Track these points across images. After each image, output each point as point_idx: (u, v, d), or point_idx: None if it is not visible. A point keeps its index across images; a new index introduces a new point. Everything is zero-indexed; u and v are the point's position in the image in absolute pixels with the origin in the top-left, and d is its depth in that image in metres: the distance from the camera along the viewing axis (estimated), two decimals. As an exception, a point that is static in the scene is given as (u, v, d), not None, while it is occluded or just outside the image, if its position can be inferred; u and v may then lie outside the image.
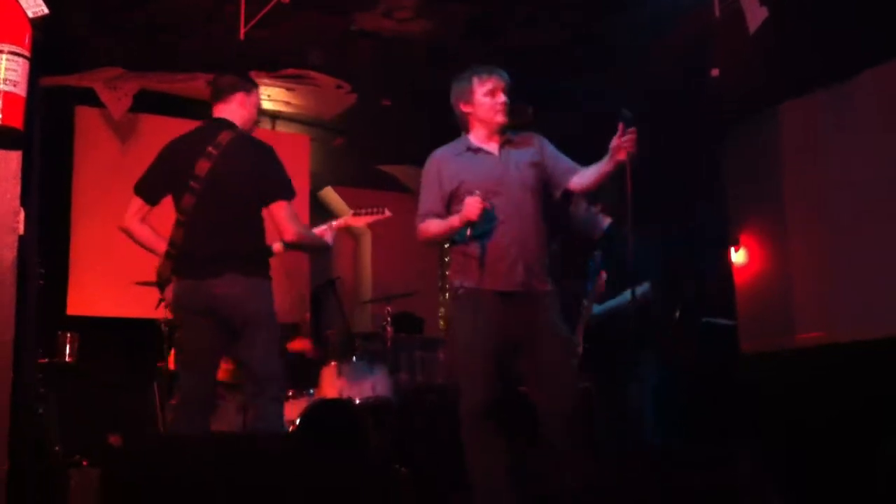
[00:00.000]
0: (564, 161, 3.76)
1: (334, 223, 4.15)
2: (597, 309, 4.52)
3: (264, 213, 3.81)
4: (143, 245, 3.86)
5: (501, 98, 3.68)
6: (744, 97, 6.02)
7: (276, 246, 3.90)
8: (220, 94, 3.94)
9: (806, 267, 5.83)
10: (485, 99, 3.69)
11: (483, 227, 3.50)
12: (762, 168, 6.15)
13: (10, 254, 2.24)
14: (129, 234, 3.86)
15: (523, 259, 3.55)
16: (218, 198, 3.74)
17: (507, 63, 3.90)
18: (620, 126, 3.37)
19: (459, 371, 3.59)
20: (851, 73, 5.48)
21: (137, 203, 3.85)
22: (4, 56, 2.19)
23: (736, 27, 5.04)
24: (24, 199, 2.29)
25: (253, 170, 3.78)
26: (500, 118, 3.69)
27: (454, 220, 3.55)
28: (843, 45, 5.19)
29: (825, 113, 5.74)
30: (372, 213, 4.22)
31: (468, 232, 3.51)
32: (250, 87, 3.99)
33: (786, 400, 5.18)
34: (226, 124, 3.88)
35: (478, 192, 3.48)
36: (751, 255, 6.29)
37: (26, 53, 2.24)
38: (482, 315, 3.50)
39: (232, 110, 3.91)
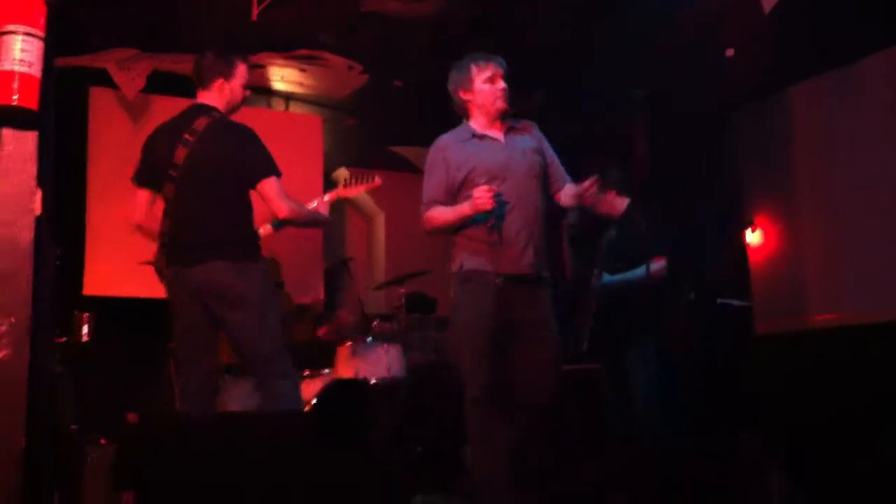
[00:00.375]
0: (558, 165, 3.81)
1: (326, 196, 4.14)
2: (608, 279, 4.47)
3: (253, 194, 3.77)
4: (151, 237, 3.86)
5: (501, 84, 3.69)
6: (755, 79, 5.99)
7: (263, 229, 3.90)
8: (202, 80, 3.87)
9: (817, 249, 5.82)
10: (484, 86, 3.70)
11: (496, 212, 3.51)
12: (773, 150, 6.13)
13: (27, 234, 2.26)
14: (143, 231, 3.86)
15: (533, 244, 3.58)
16: (197, 184, 3.70)
17: (514, 42, 3.89)
18: (588, 180, 3.51)
19: (463, 355, 3.58)
20: (861, 55, 5.45)
21: (144, 195, 3.84)
22: (20, 37, 2.20)
23: (746, 8, 5.01)
24: (40, 180, 2.31)
25: (233, 153, 3.72)
26: (500, 104, 3.70)
27: (464, 209, 3.54)
28: (852, 28, 5.16)
29: (835, 95, 5.72)
30: (363, 183, 4.27)
31: (490, 219, 3.51)
32: (230, 71, 3.88)
33: (797, 382, 5.17)
34: (204, 109, 3.83)
35: (483, 181, 3.52)
36: (766, 235, 6.27)
37: (41, 34, 2.25)
38: (488, 298, 3.51)
39: (213, 96, 3.86)
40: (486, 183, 3.53)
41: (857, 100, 5.52)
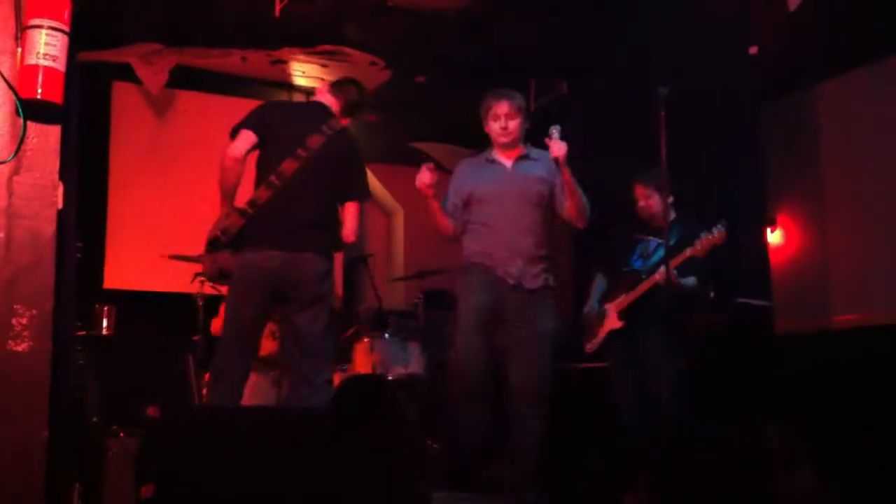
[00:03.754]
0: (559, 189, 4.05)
1: None
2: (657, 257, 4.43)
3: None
4: (229, 185, 3.72)
5: (502, 123, 4.04)
6: (780, 75, 5.94)
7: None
8: (336, 87, 4.12)
9: (843, 248, 5.77)
10: (492, 123, 4.07)
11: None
12: (799, 148, 6.08)
13: (49, 227, 2.28)
14: (229, 168, 3.70)
15: (514, 264, 3.94)
16: (320, 175, 3.79)
17: (538, 34, 3.91)
18: (550, 134, 3.84)
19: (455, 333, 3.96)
20: (890, 52, 5.39)
21: (250, 137, 3.77)
22: (44, 31, 2.22)
23: (774, 3, 4.96)
24: (63, 174, 2.33)
25: (351, 164, 3.95)
26: (503, 140, 4.07)
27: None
28: (881, 25, 5.10)
29: (863, 92, 5.65)
30: None
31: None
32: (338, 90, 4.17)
33: (820, 382, 5.13)
34: (330, 112, 4.01)
35: (477, 204, 4.01)
36: (787, 235, 6.23)
37: (66, 28, 2.26)
38: (481, 289, 3.91)
39: (336, 103, 4.06)
40: (479, 205, 4.02)
41: (886, 97, 5.46)
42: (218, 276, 3.86)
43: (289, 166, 3.72)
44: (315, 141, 3.78)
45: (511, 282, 3.92)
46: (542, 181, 4.03)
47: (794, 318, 5.86)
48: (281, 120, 3.86)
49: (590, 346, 4.70)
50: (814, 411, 4.90)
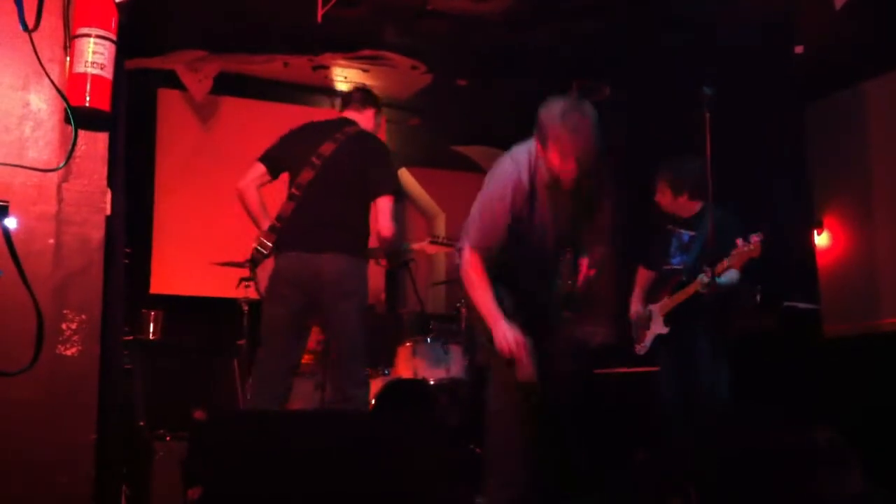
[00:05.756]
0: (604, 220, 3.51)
1: (413, 245, 4.68)
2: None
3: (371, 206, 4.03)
4: (250, 212, 4.03)
5: (570, 166, 3.19)
6: (826, 74, 5.85)
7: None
8: (355, 101, 4.27)
9: (892, 250, 5.65)
10: (554, 159, 3.21)
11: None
12: (847, 148, 5.97)
13: (98, 233, 2.31)
14: (243, 197, 4.02)
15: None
16: (335, 178, 3.95)
17: (580, 35, 3.85)
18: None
19: None
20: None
21: (260, 170, 4.04)
22: (92, 40, 2.25)
23: (819, 2, 4.89)
24: (111, 180, 2.35)
25: (370, 162, 4.03)
26: (562, 178, 3.25)
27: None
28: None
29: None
30: (445, 244, 4.72)
31: None
32: (380, 110, 4.40)
33: (869, 384, 5.03)
34: (353, 122, 4.16)
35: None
36: (834, 237, 6.12)
37: (113, 37, 2.29)
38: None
39: (361, 119, 4.21)
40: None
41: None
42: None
43: (305, 176, 3.95)
44: (327, 148, 3.97)
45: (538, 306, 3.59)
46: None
47: (843, 320, 5.77)
48: (298, 141, 4.08)
49: (639, 349, 4.68)
50: (862, 414, 4.81)
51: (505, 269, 3.40)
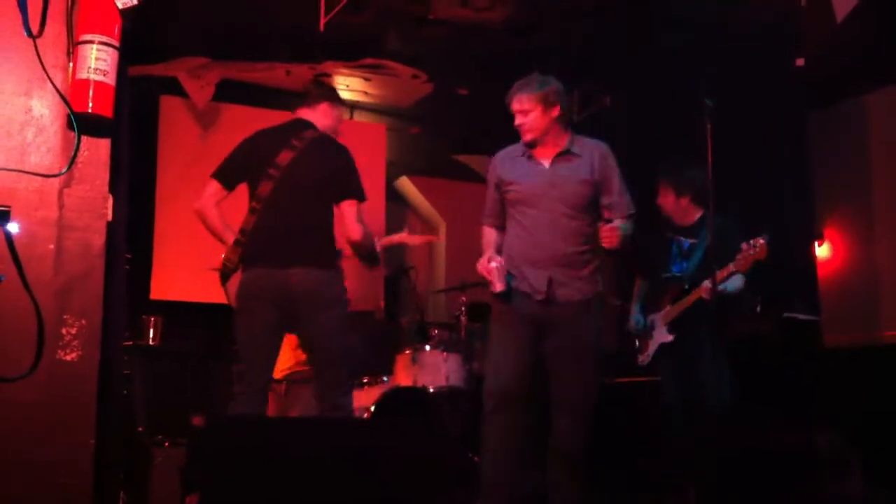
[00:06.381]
0: (616, 196, 3.76)
1: (384, 239, 4.38)
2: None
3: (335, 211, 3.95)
4: (212, 230, 3.96)
5: (518, 120, 3.74)
6: (828, 85, 5.86)
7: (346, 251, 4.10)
8: (308, 99, 4.11)
9: (894, 263, 5.65)
10: (515, 120, 3.77)
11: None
12: (848, 160, 5.98)
13: (99, 239, 2.32)
14: (202, 217, 3.96)
15: (553, 270, 3.65)
16: (295, 188, 3.85)
17: (581, 45, 3.87)
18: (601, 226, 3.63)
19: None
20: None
21: (214, 186, 3.96)
22: (95, 46, 2.26)
23: (822, 14, 4.90)
24: (114, 187, 2.36)
25: (332, 168, 3.94)
26: (527, 138, 3.75)
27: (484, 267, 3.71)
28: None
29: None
30: (425, 236, 4.43)
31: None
32: (337, 101, 4.20)
33: (869, 396, 5.03)
34: (308, 124, 4.03)
35: (516, 205, 3.72)
36: (835, 248, 6.12)
37: (116, 44, 2.31)
38: (515, 313, 3.69)
39: (316, 116, 4.06)
40: (519, 206, 3.73)
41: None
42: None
43: (264, 188, 3.86)
44: (285, 157, 3.87)
45: (539, 289, 3.65)
46: (584, 183, 3.70)
47: (844, 332, 5.76)
48: (252, 151, 3.97)
49: (642, 359, 4.66)
50: (863, 424, 4.81)
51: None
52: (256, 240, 3.84)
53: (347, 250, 4.08)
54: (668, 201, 4.61)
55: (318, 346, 3.87)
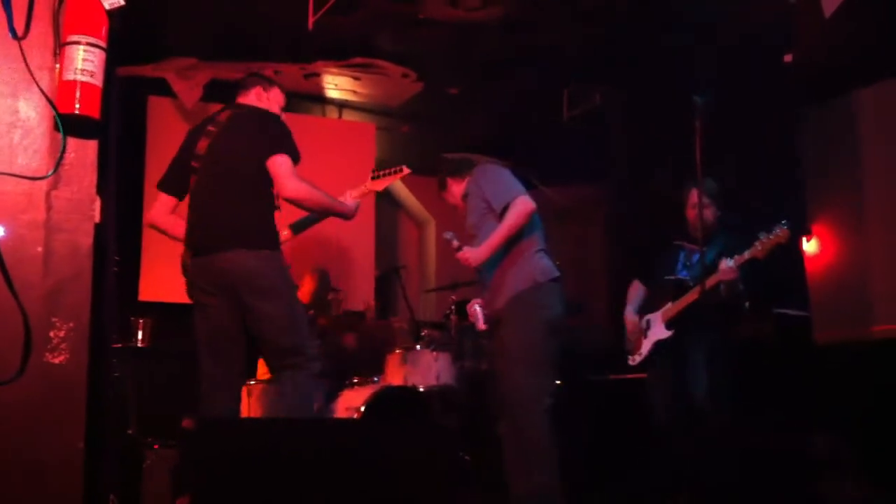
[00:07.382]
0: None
1: (354, 191, 4.09)
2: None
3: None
4: (173, 238, 3.90)
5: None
6: (818, 82, 5.88)
7: (284, 234, 3.94)
8: (242, 87, 4.03)
9: (884, 257, 5.67)
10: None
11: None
12: (837, 156, 5.99)
13: (87, 240, 2.30)
14: (158, 229, 3.94)
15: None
16: (217, 173, 3.74)
17: (573, 45, 3.84)
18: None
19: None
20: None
21: (161, 197, 3.93)
22: (82, 47, 2.25)
23: (812, 10, 4.91)
24: (102, 188, 2.35)
25: (248, 135, 3.75)
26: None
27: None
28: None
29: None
30: (390, 175, 4.21)
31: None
32: (268, 84, 4.04)
33: (862, 391, 5.05)
34: (234, 106, 3.94)
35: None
36: (824, 244, 6.14)
37: (103, 45, 2.29)
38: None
39: (250, 100, 3.97)
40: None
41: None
42: None
43: (192, 181, 3.81)
44: (202, 146, 3.79)
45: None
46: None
47: (834, 327, 5.78)
48: (181, 153, 3.92)
49: (633, 359, 4.64)
50: (857, 421, 4.82)
51: None
52: (190, 234, 3.76)
53: (284, 235, 3.96)
54: (709, 212, 4.45)
55: (264, 339, 3.68)
